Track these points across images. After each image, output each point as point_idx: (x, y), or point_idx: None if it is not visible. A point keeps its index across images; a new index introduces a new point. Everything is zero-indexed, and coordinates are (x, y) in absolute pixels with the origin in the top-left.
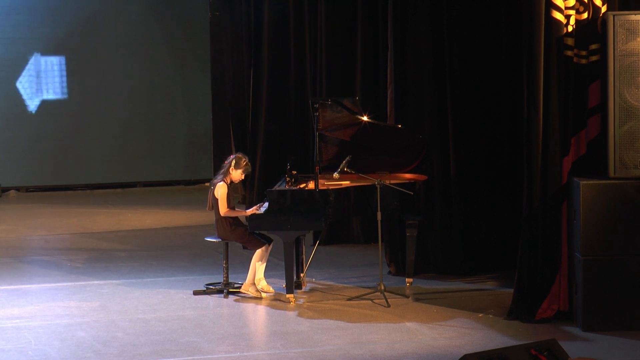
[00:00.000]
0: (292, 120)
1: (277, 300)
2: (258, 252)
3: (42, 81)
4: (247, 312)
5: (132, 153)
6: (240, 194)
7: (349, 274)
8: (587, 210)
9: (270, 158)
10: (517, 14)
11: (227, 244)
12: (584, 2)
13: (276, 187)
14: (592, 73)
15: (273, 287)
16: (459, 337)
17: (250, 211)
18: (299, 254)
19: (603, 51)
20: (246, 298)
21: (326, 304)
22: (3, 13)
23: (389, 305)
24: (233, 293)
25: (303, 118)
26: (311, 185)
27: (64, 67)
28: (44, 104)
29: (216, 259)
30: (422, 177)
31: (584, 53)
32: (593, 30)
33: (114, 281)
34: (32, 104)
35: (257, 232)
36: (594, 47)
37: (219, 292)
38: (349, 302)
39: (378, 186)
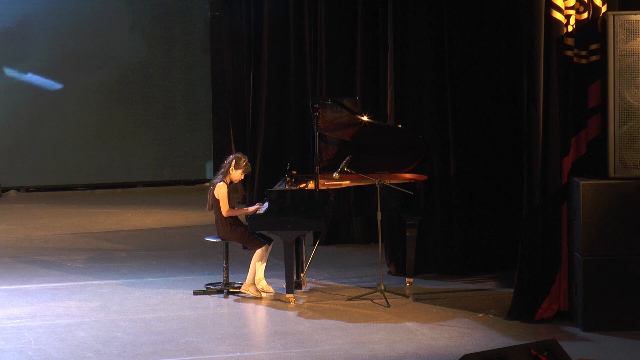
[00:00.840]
0: (292, 120)
1: (277, 300)
2: (258, 252)
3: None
4: (247, 312)
5: (132, 153)
6: (240, 194)
7: (349, 274)
8: (587, 211)
9: (270, 158)
10: (517, 14)
11: (227, 244)
12: (584, 2)
13: (276, 187)
14: (592, 73)
15: (273, 287)
16: (459, 337)
17: (252, 208)
18: (299, 254)
19: (603, 51)
20: (246, 298)
21: (326, 304)
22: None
23: (389, 305)
24: (233, 293)
25: (303, 118)
26: (311, 185)
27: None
28: (45, 104)
29: (216, 259)
30: (422, 177)
31: (584, 53)
32: (593, 30)
33: (114, 281)
34: (33, 105)
35: (257, 232)
36: (594, 47)
37: (219, 292)
38: (349, 302)
39: (378, 186)
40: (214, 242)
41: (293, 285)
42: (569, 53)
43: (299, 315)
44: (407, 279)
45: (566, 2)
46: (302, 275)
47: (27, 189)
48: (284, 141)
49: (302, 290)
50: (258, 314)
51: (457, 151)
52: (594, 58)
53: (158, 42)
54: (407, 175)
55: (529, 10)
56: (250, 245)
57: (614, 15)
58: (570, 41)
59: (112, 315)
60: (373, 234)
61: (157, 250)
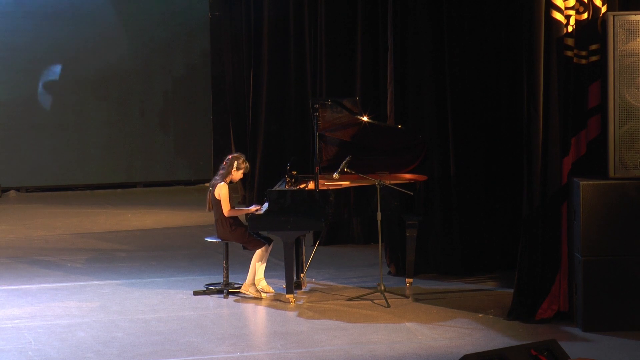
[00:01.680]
0: (292, 120)
1: (277, 301)
2: (258, 252)
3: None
4: (247, 313)
5: (132, 153)
6: (240, 194)
7: (349, 274)
8: (587, 211)
9: (270, 158)
10: (517, 15)
11: (227, 244)
12: (584, 2)
13: (276, 188)
14: (592, 73)
15: (273, 288)
16: (459, 337)
17: (253, 208)
18: (299, 254)
19: (603, 51)
20: (246, 298)
21: (326, 304)
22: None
23: (389, 306)
24: (233, 293)
25: (303, 118)
26: (311, 185)
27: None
28: (44, 104)
29: (216, 260)
30: (422, 178)
31: (584, 53)
32: (593, 31)
33: (114, 281)
34: (32, 105)
35: (257, 232)
36: (594, 47)
37: (219, 292)
38: (349, 302)
39: (378, 186)
40: (214, 242)
41: (293, 285)
42: (569, 53)
43: (299, 315)
44: (407, 279)
45: (566, 2)
46: (302, 275)
47: (27, 189)
48: (284, 141)
49: (302, 290)
50: (258, 314)
51: (457, 151)
52: (594, 58)
53: (158, 43)
54: (407, 176)
55: (529, 10)
56: (250, 246)
57: (614, 16)
58: (570, 41)
59: (112, 315)
60: (373, 234)
61: (157, 250)
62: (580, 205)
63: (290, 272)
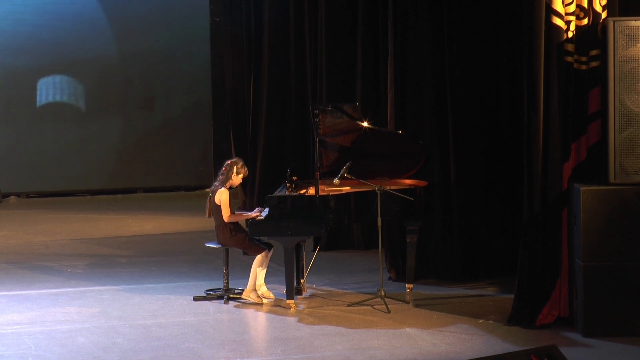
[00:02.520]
0: (293, 125)
1: (277, 306)
2: (258, 258)
3: (43, 88)
4: (247, 318)
5: (132, 159)
6: (240, 200)
7: (349, 279)
8: (588, 216)
9: (270, 164)
10: (518, 20)
11: (227, 250)
12: (584, 8)
13: (276, 193)
14: (592, 79)
15: (273, 293)
16: (459, 343)
17: (253, 214)
18: (299, 260)
19: (603, 57)
20: (246, 304)
21: (326, 309)
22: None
23: (389, 311)
24: (233, 299)
25: (303, 123)
26: (311, 191)
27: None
28: (45, 110)
29: (216, 265)
30: (423, 183)
31: (584, 59)
32: (593, 36)
33: (114, 287)
34: (33, 110)
35: (257, 237)
36: (594, 53)
37: (219, 298)
38: (349, 308)
39: (378, 192)
40: (214, 248)
41: (293, 291)
42: (569, 59)
43: (299, 321)
44: (407, 285)
45: (566, 8)
46: (302, 281)
47: (28, 195)
48: (284, 147)
49: (303, 296)
50: (258, 320)
51: (457, 157)
52: (594, 64)
53: (159, 48)
54: (407, 181)
55: (529, 16)
56: (251, 251)
57: (614, 21)
58: (570, 47)
59: (112, 321)
60: (373, 239)
61: (157, 256)
62: (581, 211)
63: (290, 278)
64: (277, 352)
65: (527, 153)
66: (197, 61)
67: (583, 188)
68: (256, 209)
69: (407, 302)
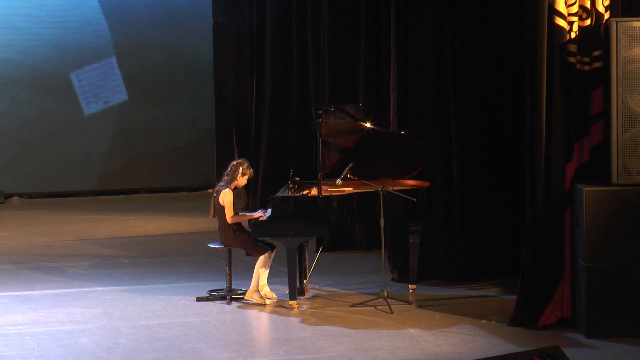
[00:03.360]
0: (295, 126)
1: (280, 307)
2: (261, 258)
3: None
4: (250, 319)
5: (135, 159)
6: (243, 200)
7: (352, 280)
8: (590, 217)
9: (273, 164)
10: (520, 21)
11: (230, 251)
12: (587, 8)
13: (279, 194)
14: (595, 80)
15: (276, 294)
16: (462, 343)
17: (257, 214)
18: (302, 261)
19: (606, 58)
20: (249, 304)
21: (329, 310)
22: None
23: (392, 312)
24: (236, 299)
25: (306, 124)
26: (314, 191)
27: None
28: (46, 111)
29: (219, 266)
30: (425, 184)
31: (587, 59)
32: (596, 37)
33: (116, 287)
34: (35, 111)
35: (260, 238)
36: (597, 53)
37: (222, 298)
38: (352, 308)
39: (381, 193)
40: (217, 248)
41: (296, 291)
42: (572, 59)
43: (302, 321)
44: (410, 286)
45: (569, 8)
46: (305, 281)
47: (30, 196)
48: (286, 148)
49: (305, 296)
50: (261, 321)
51: (460, 157)
52: (596, 64)
53: (161, 49)
54: (410, 182)
55: (532, 17)
56: (254, 252)
57: (617, 22)
58: (573, 48)
59: (115, 321)
60: (376, 240)
61: (160, 256)
62: (583, 212)
63: (293, 278)
64: (280, 352)
65: (529, 154)
66: (199, 62)
67: (586, 189)
68: (259, 210)
69: (410, 303)
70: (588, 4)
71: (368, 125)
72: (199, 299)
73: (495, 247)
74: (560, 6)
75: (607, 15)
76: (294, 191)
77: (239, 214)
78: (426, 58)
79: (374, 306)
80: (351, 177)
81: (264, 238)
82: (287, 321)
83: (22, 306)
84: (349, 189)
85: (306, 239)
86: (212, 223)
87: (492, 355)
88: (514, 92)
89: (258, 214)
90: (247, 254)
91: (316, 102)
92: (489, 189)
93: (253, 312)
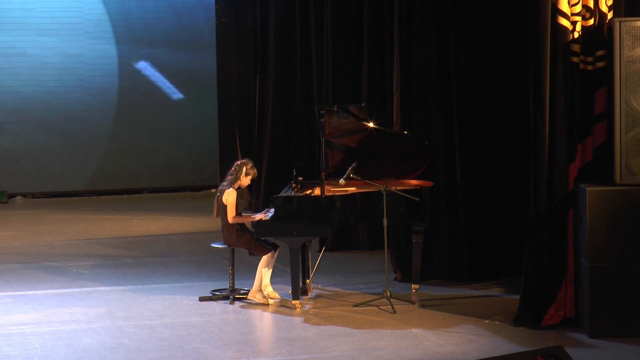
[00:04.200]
0: (298, 126)
1: (283, 307)
2: (264, 258)
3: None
4: (253, 319)
5: (138, 159)
6: (246, 200)
7: (355, 280)
8: (594, 217)
9: (276, 164)
10: (524, 21)
11: (233, 250)
12: (590, 8)
13: (282, 194)
14: (598, 79)
15: (279, 294)
16: (465, 343)
17: (258, 216)
18: (305, 261)
19: (609, 58)
20: (252, 304)
21: (332, 310)
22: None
23: (395, 312)
24: (239, 299)
25: (309, 124)
26: (317, 191)
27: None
28: (49, 111)
29: (222, 265)
30: (428, 184)
31: (590, 59)
32: (599, 37)
33: (120, 287)
34: (38, 111)
35: (263, 238)
36: (600, 53)
37: (225, 298)
38: (355, 308)
39: (384, 192)
40: (220, 248)
41: (299, 291)
42: (575, 59)
43: (305, 321)
44: (413, 286)
45: (572, 8)
46: (308, 281)
47: (33, 195)
48: (290, 147)
49: (308, 296)
50: (264, 320)
51: (463, 157)
52: (600, 64)
53: (164, 49)
54: (413, 182)
55: (535, 16)
56: (257, 252)
57: (620, 22)
58: (576, 47)
59: (118, 321)
60: (379, 240)
61: (163, 256)
62: (587, 212)
63: (296, 278)
64: (283, 352)
65: (533, 154)
66: (202, 61)
67: (589, 189)
68: (261, 213)
69: (413, 303)
70: (591, 4)
71: (371, 125)
72: (202, 299)
73: (498, 247)
74: (564, 6)
75: (610, 15)
76: (297, 191)
77: (242, 214)
78: (429, 58)
79: (377, 306)
80: (354, 177)
81: (267, 238)
82: (290, 321)
83: (26, 306)
84: (352, 189)
85: (309, 238)
86: (215, 223)
87: (495, 355)
88: (517, 92)
89: (259, 216)
90: (250, 254)
91: (319, 102)
92: (492, 189)
93: (256, 312)
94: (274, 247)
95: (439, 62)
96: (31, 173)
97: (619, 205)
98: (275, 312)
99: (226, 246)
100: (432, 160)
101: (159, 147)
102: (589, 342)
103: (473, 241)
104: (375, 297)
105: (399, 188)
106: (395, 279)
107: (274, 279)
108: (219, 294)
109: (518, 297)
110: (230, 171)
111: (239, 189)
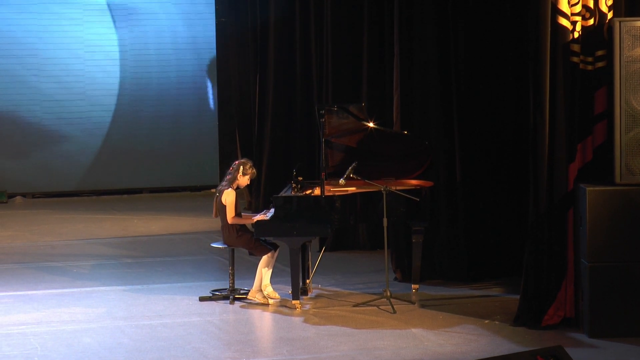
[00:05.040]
0: (298, 126)
1: (283, 307)
2: (264, 258)
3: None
4: (253, 318)
5: (138, 159)
6: (246, 200)
7: (355, 280)
8: (594, 217)
9: (276, 164)
10: (523, 21)
11: (233, 250)
12: (590, 8)
13: (282, 194)
14: (598, 79)
15: (279, 294)
16: (465, 343)
17: (257, 218)
18: (305, 260)
19: (609, 57)
20: (252, 304)
21: (332, 310)
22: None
23: (395, 312)
24: (239, 299)
25: (309, 124)
26: (317, 191)
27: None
28: (49, 109)
29: (222, 265)
30: (428, 184)
31: (590, 59)
32: (599, 37)
33: (120, 287)
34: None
35: (263, 238)
36: (600, 53)
37: (225, 298)
38: (355, 308)
39: (384, 192)
40: (220, 248)
41: (299, 291)
42: (575, 59)
43: (305, 321)
44: (413, 285)
45: (572, 8)
46: (308, 281)
47: (34, 195)
48: (290, 147)
49: (308, 296)
50: (264, 320)
51: (463, 157)
52: (600, 64)
53: (165, 48)
54: (413, 182)
55: (535, 16)
56: (257, 252)
57: (620, 22)
58: (576, 47)
59: (117, 321)
60: (379, 240)
61: (163, 256)
62: (587, 211)
63: (296, 278)
64: (283, 352)
65: (533, 153)
66: (202, 62)
67: (589, 188)
68: (260, 214)
69: (413, 303)
70: (591, 4)
71: (371, 124)
72: (201, 299)
73: (498, 247)
74: (564, 6)
75: (610, 15)
76: (297, 191)
77: (242, 215)
78: (429, 58)
79: (377, 306)
80: (354, 176)
81: (267, 238)
82: (290, 321)
83: (25, 306)
84: (352, 189)
85: (309, 238)
86: (215, 223)
87: (495, 355)
88: (517, 91)
89: (259, 216)
90: (250, 254)
91: (319, 102)
92: (492, 189)
93: (256, 312)
94: (274, 247)
95: (439, 61)
96: (31, 173)
97: (619, 205)
98: (275, 312)
99: (226, 246)
100: (432, 160)
101: (159, 147)
102: (589, 342)
103: (473, 241)
104: (375, 297)
105: (399, 188)
106: (395, 279)
107: (274, 279)
108: (219, 294)
109: (518, 297)
110: (229, 171)
111: (238, 189)
